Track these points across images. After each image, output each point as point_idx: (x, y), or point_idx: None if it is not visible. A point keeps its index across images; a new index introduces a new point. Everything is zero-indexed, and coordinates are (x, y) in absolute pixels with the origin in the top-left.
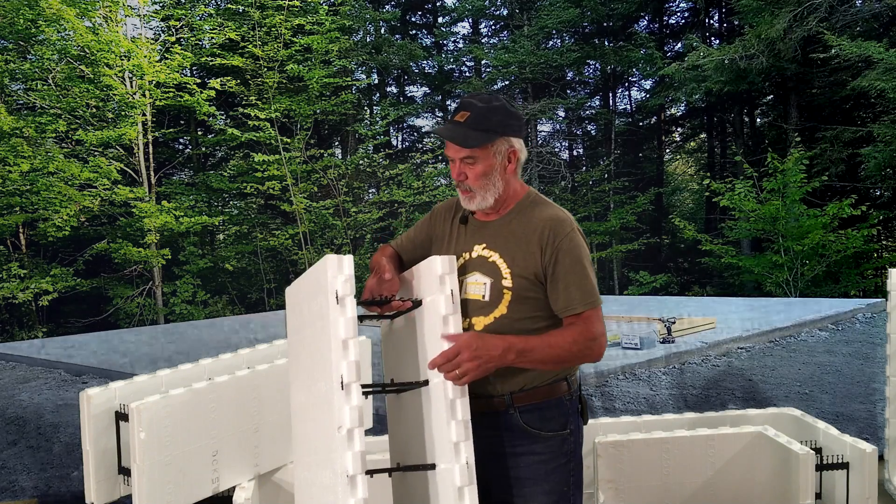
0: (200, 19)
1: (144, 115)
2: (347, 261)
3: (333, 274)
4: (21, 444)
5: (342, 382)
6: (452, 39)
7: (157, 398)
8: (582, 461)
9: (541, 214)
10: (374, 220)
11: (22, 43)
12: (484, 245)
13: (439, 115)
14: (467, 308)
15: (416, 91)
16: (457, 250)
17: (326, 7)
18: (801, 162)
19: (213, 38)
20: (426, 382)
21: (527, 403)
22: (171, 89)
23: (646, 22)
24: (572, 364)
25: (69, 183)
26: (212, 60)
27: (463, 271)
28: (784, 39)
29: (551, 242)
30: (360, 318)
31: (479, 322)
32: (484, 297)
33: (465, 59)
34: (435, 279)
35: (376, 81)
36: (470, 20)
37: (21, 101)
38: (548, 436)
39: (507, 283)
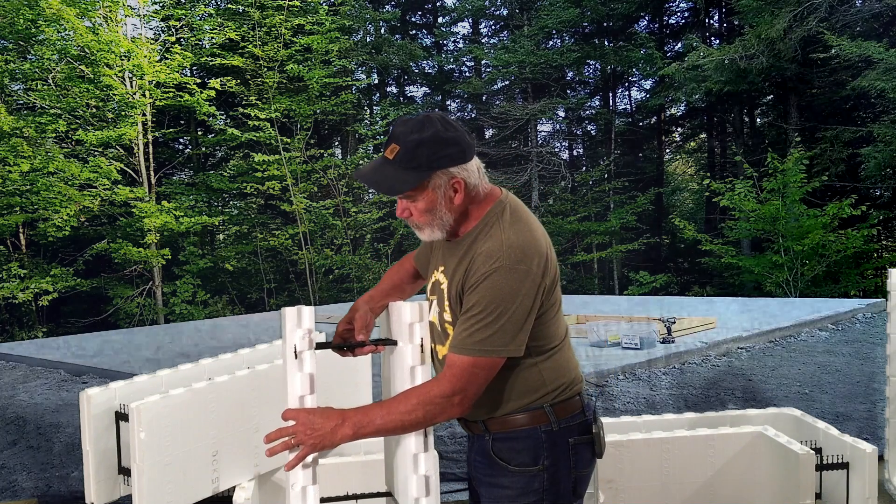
0: (200, 19)
1: (144, 115)
2: (307, 312)
3: (292, 328)
4: (21, 444)
5: None
6: (452, 39)
7: (157, 398)
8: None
9: (482, 245)
10: (374, 220)
11: (22, 43)
12: (442, 268)
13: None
14: (432, 332)
15: (416, 91)
16: (430, 267)
17: (326, 7)
18: (801, 162)
19: (213, 38)
20: None
21: (500, 431)
22: (171, 89)
23: (646, 22)
24: (429, 425)
25: (69, 183)
26: (212, 60)
27: (431, 291)
28: (784, 39)
29: (470, 277)
30: (335, 349)
31: (440, 350)
32: (437, 325)
33: (465, 59)
34: (405, 327)
35: (376, 81)
36: (470, 20)
37: (21, 101)
38: (514, 470)
39: (448, 316)
